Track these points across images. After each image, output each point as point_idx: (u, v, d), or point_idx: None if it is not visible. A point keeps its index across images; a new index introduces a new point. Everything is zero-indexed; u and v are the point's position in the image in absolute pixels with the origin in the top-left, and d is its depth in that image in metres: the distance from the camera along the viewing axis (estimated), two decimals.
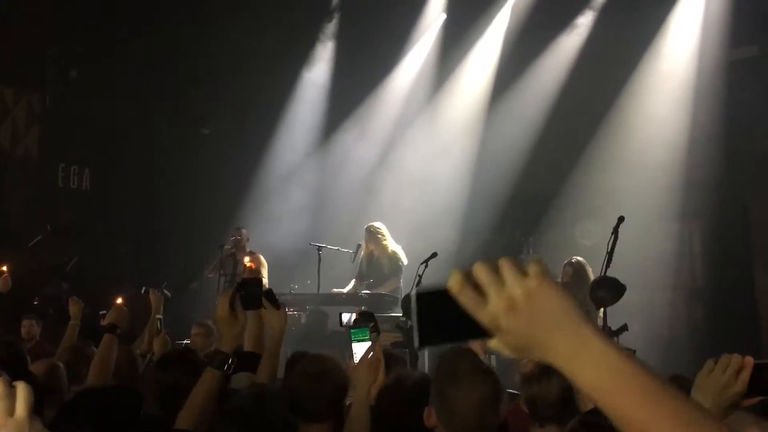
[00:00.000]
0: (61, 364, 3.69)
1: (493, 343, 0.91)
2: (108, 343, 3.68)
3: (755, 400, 1.56)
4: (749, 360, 1.58)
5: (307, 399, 2.51)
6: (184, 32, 9.86)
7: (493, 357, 3.56)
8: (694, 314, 8.09)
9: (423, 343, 0.91)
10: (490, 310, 0.89)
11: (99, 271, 9.62)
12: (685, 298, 8.17)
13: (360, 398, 2.55)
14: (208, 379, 2.30)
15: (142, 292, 5.29)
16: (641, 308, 7.49)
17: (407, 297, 6.08)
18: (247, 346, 3.87)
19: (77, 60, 9.77)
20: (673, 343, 7.40)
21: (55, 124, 9.72)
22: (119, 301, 4.38)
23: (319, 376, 2.56)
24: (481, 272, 0.91)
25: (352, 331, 2.95)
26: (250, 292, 2.40)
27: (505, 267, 0.90)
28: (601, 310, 4.93)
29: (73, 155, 9.88)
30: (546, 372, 2.94)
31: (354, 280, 7.98)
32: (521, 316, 0.88)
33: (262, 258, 8.04)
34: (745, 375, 1.56)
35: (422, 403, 2.15)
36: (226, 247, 8.16)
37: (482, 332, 0.91)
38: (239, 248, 8.18)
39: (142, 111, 10.35)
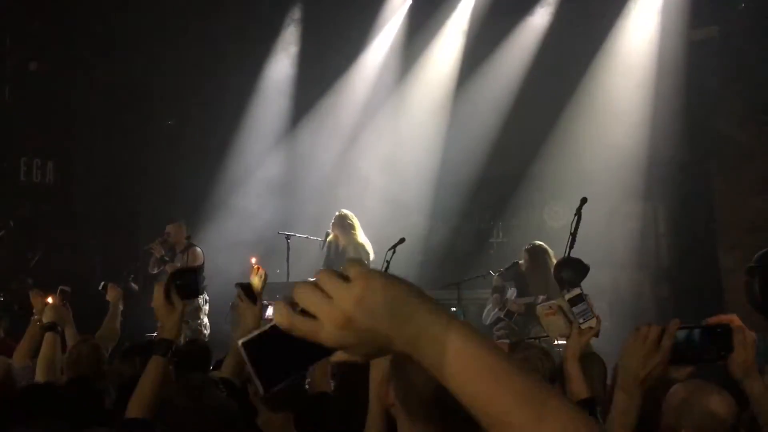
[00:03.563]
0: (12, 362, 3.61)
1: (342, 356, 0.87)
2: (51, 342, 3.67)
3: (687, 369, 1.53)
4: (673, 325, 1.53)
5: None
6: (147, 23, 9.70)
7: None
8: (660, 293, 8.20)
9: (268, 387, 0.86)
10: (327, 330, 0.85)
11: (65, 265, 9.46)
12: (651, 277, 8.27)
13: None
14: (153, 366, 2.30)
15: (100, 287, 5.18)
16: (607, 288, 7.57)
17: None
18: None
19: (36, 52, 9.56)
20: (638, 322, 7.48)
21: (15, 118, 9.50)
22: (50, 300, 4.26)
23: None
24: (303, 298, 0.87)
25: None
26: (186, 282, 2.37)
27: (326, 282, 0.87)
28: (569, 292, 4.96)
29: (35, 149, 9.68)
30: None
31: (323, 268, 7.92)
32: (359, 324, 0.85)
33: (198, 250, 8.00)
34: (666, 343, 1.53)
35: None
36: (155, 246, 8.02)
37: (326, 351, 0.87)
38: (176, 243, 8.07)
39: (104, 102, 10.17)
